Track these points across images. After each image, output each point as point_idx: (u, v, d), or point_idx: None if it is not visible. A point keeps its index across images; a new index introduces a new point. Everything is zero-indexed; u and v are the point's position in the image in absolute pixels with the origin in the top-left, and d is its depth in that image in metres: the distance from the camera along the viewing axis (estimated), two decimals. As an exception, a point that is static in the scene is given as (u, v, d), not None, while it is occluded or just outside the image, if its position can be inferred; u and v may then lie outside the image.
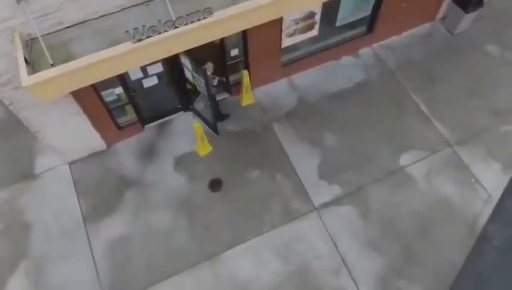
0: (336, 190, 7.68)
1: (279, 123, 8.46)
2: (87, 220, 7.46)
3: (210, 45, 6.18)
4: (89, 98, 6.98)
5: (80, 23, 5.61)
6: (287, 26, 7.95)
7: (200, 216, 7.45)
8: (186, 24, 5.27)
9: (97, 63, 5.08)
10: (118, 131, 8.12)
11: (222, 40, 7.53)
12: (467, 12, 8.99)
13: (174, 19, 5.21)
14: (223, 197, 7.65)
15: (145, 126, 8.45)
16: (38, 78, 4.90)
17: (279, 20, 7.65)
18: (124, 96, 7.56)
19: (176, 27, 5.25)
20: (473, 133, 8.21)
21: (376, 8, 8.73)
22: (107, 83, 7.09)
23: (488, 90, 8.74)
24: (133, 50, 5.19)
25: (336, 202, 7.56)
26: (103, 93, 7.24)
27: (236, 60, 8.15)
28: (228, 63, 8.09)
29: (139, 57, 5.35)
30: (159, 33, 5.20)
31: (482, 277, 6.80)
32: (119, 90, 7.35)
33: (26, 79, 4.86)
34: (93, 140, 7.88)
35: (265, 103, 8.74)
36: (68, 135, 7.40)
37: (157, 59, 5.55)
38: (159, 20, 5.14)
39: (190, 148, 8.15)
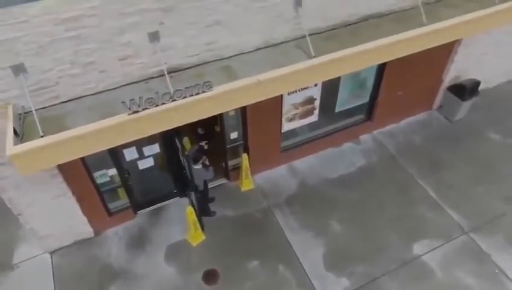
0: (345, 283, 6.86)
1: (280, 210, 7.97)
2: (62, 318, 6.53)
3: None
4: (79, 179, 6.62)
5: (77, 98, 5.54)
6: (287, 111, 7.97)
7: (192, 314, 6.54)
8: (185, 97, 5.18)
9: (87, 135, 4.84)
10: (108, 217, 7.59)
11: (222, 123, 7.48)
12: (463, 100, 9.15)
13: (172, 92, 5.13)
14: (219, 290, 6.82)
15: (138, 212, 7.93)
16: (24, 148, 4.61)
17: (279, 104, 7.69)
18: (117, 179, 7.20)
19: (174, 100, 5.14)
20: (488, 220, 7.68)
21: (373, 96, 8.90)
22: (101, 164, 6.84)
23: (495, 176, 8.45)
24: (128, 122, 5.00)
25: (345, 297, 6.71)
26: (95, 174, 6.90)
27: (235, 144, 7.99)
28: (227, 147, 7.92)
29: (133, 130, 5.13)
30: (156, 105, 5.07)
31: None
32: (112, 171, 7.02)
33: (11, 148, 4.57)
34: (81, 226, 7.30)
35: (265, 188, 8.35)
36: (53, 220, 6.87)
37: (152, 133, 5.33)
38: (157, 92, 5.05)
39: (184, 236, 7.52)
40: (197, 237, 7.41)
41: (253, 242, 7.43)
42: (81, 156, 5.25)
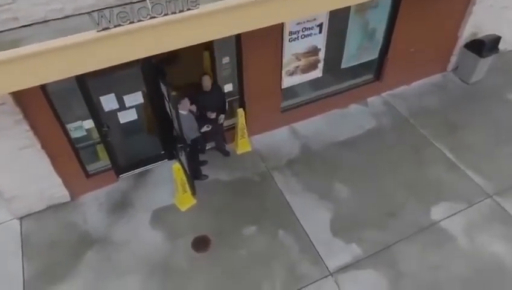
0: (355, 250, 6.01)
1: (280, 172, 7.11)
2: (28, 289, 5.65)
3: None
4: (49, 128, 5.76)
5: (41, 22, 4.68)
6: (288, 62, 7.10)
7: (180, 283, 5.66)
8: (166, 15, 4.31)
9: (46, 53, 3.98)
10: (86, 179, 6.72)
11: (214, 71, 6.62)
12: (482, 56, 8.28)
13: (150, 7, 4.26)
14: (210, 258, 5.95)
15: (120, 176, 7.06)
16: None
17: (279, 52, 6.83)
18: (95, 134, 6.34)
19: (153, 17, 4.27)
20: (513, 182, 6.84)
21: (383, 51, 8.04)
22: (75, 114, 5.98)
23: (519, 138, 7.60)
24: (97, 41, 4.14)
25: (356, 265, 5.84)
26: (69, 126, 6.04)
27: (230, 99, 7.13)
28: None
29: (104, 53, 4.27)
30: (131, 22, 4.20)
31: None
32: (89, 124, 6.15)
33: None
34: (54, 188, 6.43)
35: (264, 151, 7.48)
36: (22, 179, 6.02)
37: (127, 59, 4.46)
38: (131, 5, 4.18)
39: (172, 201, 6.67)
40: (186, 201, 6.55)
41: (250, 206, 6.57)
42: (40, 82, 4.36)
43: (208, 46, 6.57)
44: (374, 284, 5.62)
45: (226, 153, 7.36)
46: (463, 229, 6.23)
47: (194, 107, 6.30)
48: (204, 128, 6.52)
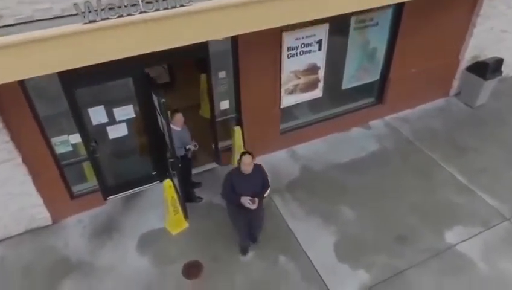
0: (363, 277, 5.40)
1: (280, 195, 6.63)
2: (-4, 320, 5.01)
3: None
4: (32, 141, 5.37)
5: (27, 22, 4.44)
6: (287, 80, 6.86)
7: (167, 314, 5.03)
8: (157, 10, 4.07)
9: (23, 45, 3.67)
10: (70, 201, 6.23)
11: (210, 86, 6.33)
12: (486, 79, 8.08)
13: (140, 0, 4.03)
14: (202, 286, 5.32)
15: (108, 198, 6.56)
16: None
17: (278, 68, 6.60)
18: (82, 150, 5.93)
19: (143, 12, 4.03)
20: (531, 205, 6.35)
21: (384, 72, 7.84)
22: (60, 127, 5.61)
23: (531, 160, 7.20)
24: (83, 34, 3.86)
25: (365, 293, 5.24)
26: (54, 140, 5.65)
27: (226, 117, 6.80)
28: (217, 120, 6.71)
29: (90, 48, 3.97)
30: (120, 16, 3.95)
31: None
32: (76, 138, 5.75)
33: None
34: (35, 209, 5.93)
35: (262, 173, 7.04)
36: (-1, 198, 5.55)
37: (115, 56, 4.15)
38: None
39: (162, 224, 6.14)
40: (177, 224, 6.02)
41: (247, 231, 6.02)
42: (17, 77, 4.02)
43: (204, 68, 6.28)
44: (387, 315, 4.99)
45: (254, 240, 5.85)
46: (481, 253, 5.67)
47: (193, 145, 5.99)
48: (191, 146, 6.05)
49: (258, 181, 5.05)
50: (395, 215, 6.25)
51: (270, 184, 5.16)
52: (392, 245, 5.81)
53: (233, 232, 5.86)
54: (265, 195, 5.14)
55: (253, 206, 4.91)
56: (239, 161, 4.95)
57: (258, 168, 5.07)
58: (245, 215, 5.19)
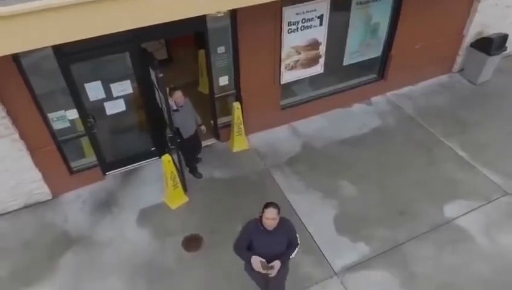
0: (362, 249, 5.41)
1: (280, 171, 6.60)
2: (-2, 291, 5.05)
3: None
4: (29, 116, 5.32)
5: None
6: (287, 55, 6.75)
7: (168, 284, 5.05)
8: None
9: (25, 17, 3.58)
10: (69, 176, 6.22)
11: (208, 62, 6.23)
12: (490, 54, 7.93)
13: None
14: (201, 258, 5.35)
15: (107, 174, 6.56)
16: None
17: (278, 44, 6.49)
18: (79, 126, 5.89)
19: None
20: (533, 179, 6.30)
21: (387, 48, 7.71)
22: (57, 103, 5.56)
23: (535, 135, 7.12)
24: (69, 7, 3.74)
25: (364, 264, 5.23)
26: (51, 116, 5.60)
27: (226, 93, 6.73)
28: (216, 96, 6.65)
29: (85, 21, 3.87)
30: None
31: None
32: (73, 114, 5.71)
33: None
34: (34, 184, 5.91)
35: (262, 150, 7.00)
36: (-3, 173, 5.53)
37: (103, 31, 4.01)
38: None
39: (162, 199, 6.14)
40: (177, 198, 6.02)
41: (247, 205, 5.95)
42: (12, 50, 3.91)
43: (203, 44, 6.18)
44: (384, 285, 5.00)
45: None
46: (481, 227, 5.65)
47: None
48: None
49: (283, 239, 3.92)
50: (396, 190, 6.22)
51: (299, 242, 4.06)
52: (393, 219, 5.80)
53: (232, 207, 5.88)
54: (291, 256, 4.00)
55: (272, 273, 3.81)
56: (261, 214, 3.81)
57: (284, 223, 3.94)
58: (263, 275, 3.96)
